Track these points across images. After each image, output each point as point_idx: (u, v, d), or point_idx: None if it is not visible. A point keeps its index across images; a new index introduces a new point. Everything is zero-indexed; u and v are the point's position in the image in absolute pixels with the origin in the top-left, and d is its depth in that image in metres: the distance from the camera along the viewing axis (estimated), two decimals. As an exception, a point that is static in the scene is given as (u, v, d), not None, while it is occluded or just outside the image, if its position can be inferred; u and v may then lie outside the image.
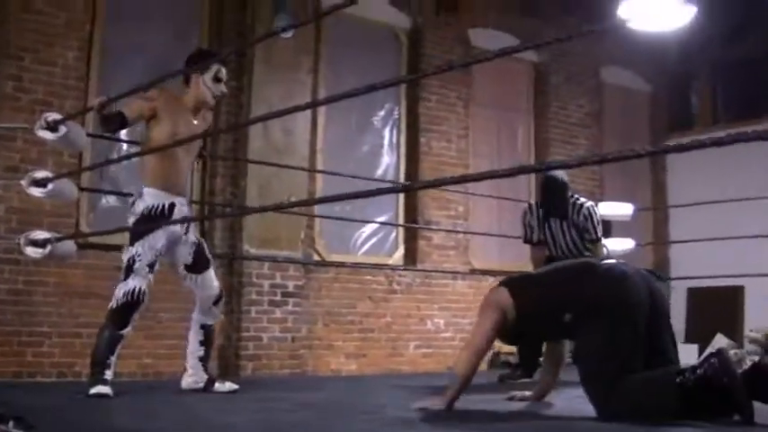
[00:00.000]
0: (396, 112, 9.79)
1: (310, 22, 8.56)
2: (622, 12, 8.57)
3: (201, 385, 5.65)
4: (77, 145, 5.54)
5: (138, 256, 5.25)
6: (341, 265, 8.80)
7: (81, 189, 6.61)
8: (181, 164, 5.52)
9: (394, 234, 9.63)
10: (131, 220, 5.40)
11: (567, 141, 11.14)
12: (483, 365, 9.41)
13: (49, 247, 4.98)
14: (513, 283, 4.80)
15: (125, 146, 7.63)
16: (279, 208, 7.09)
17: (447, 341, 9.38)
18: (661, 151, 2.51)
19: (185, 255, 5.55)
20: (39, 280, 7.11)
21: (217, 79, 5.64)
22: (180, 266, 5.58)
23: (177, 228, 5.45)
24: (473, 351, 4.65)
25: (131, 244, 5.29)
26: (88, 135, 6.10)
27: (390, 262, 9.45)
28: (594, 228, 6.97)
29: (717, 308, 11.10)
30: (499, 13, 10.53)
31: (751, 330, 10.67)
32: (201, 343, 5.69)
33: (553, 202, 7.10)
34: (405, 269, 9.34)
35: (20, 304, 7.03)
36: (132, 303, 5.20)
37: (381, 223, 9.32)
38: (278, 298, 8.15)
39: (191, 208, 5.91)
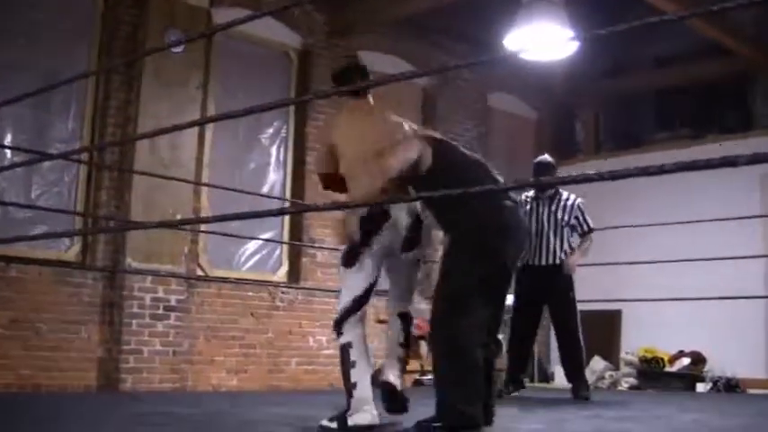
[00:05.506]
0: (283, 131, 9.84)
1: (201, 38, 8.56)
2: (510, 41, 8.84)
3: None
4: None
5: None
6: (224, 280, 8.81)
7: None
8: None
9: (278, 251, 9.66)
10: None
11: (453, 164, 11.30)
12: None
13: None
14: None
15: (8, 153, 7.56)
16: (163, 225, 7.09)
17: (329, 358, 9.42)
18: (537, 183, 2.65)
19: None
20: None
21: None
22: None
23: None
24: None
25: None
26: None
27: (274, 279, 9.47)
28: (586, 221, 7.86)
29: (595, 331, 11.40)
30: (390, 38, 10.67)
31: (627, 353, 11.08)
32: None
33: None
34: (288, 286, 9.38)
35: None
36: None
37: (266, 240, 9.34)
38: (160, 312, 8.10)
39: None
